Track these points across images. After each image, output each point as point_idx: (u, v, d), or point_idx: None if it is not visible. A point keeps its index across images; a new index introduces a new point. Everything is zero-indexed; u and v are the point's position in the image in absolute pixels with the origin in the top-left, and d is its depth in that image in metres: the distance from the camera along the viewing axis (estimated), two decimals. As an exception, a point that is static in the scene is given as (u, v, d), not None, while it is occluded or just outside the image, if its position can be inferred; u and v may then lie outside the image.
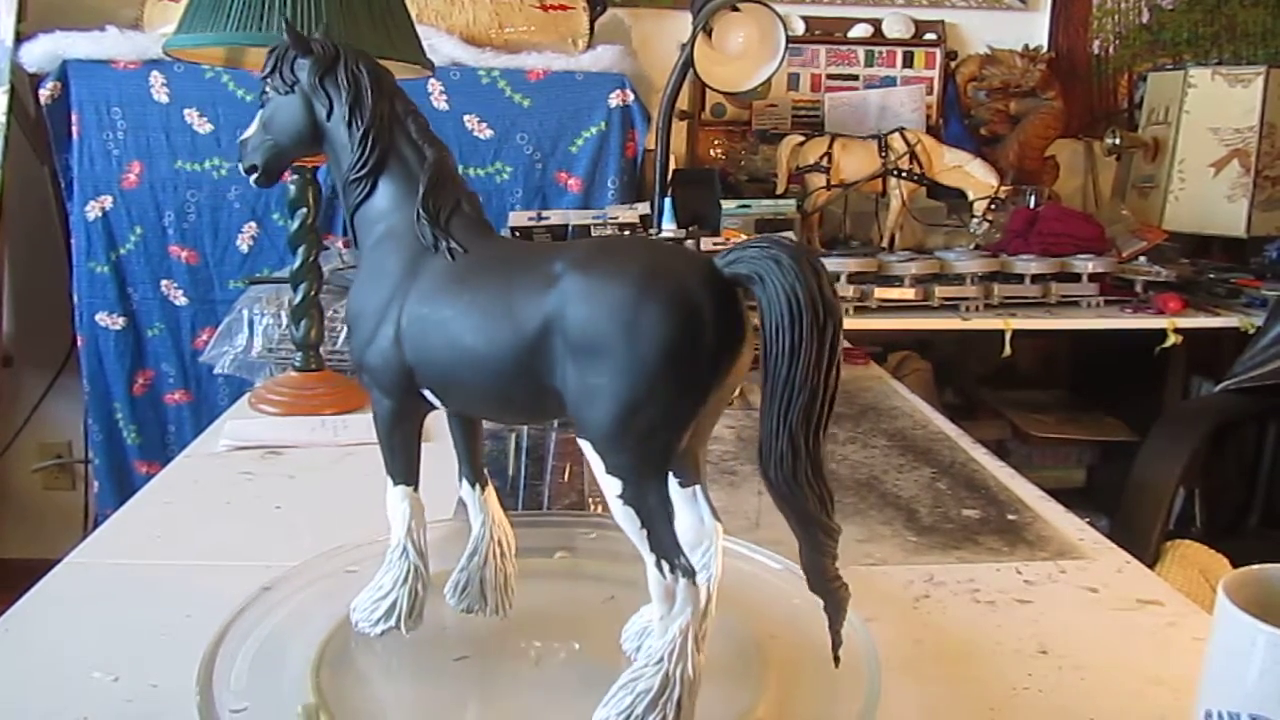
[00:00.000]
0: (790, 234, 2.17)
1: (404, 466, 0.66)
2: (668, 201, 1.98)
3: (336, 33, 1.05)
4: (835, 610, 0.56)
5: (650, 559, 0.54)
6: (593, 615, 0.71)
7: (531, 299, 0.54)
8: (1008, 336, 1.91)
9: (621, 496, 0.53)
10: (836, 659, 0.56)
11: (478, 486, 0.68)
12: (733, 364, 0.53)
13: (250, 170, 0.68)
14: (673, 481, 0.58)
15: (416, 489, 0.67)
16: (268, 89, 0.67)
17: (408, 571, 0.66)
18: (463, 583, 0.68)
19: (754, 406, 1.32)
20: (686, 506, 0.59)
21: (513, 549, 0.69)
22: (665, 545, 0.54)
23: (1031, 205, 2.22)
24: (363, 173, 0.63)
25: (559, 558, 0.80)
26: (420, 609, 0.67)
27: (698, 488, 0.59)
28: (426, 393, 0.62)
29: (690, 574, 0.54)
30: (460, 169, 2.16)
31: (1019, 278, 1.98)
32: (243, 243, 2.07)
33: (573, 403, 0.54)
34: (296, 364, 1.25)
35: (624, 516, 0.53)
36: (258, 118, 0.68)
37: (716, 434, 1.20)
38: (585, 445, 0.54)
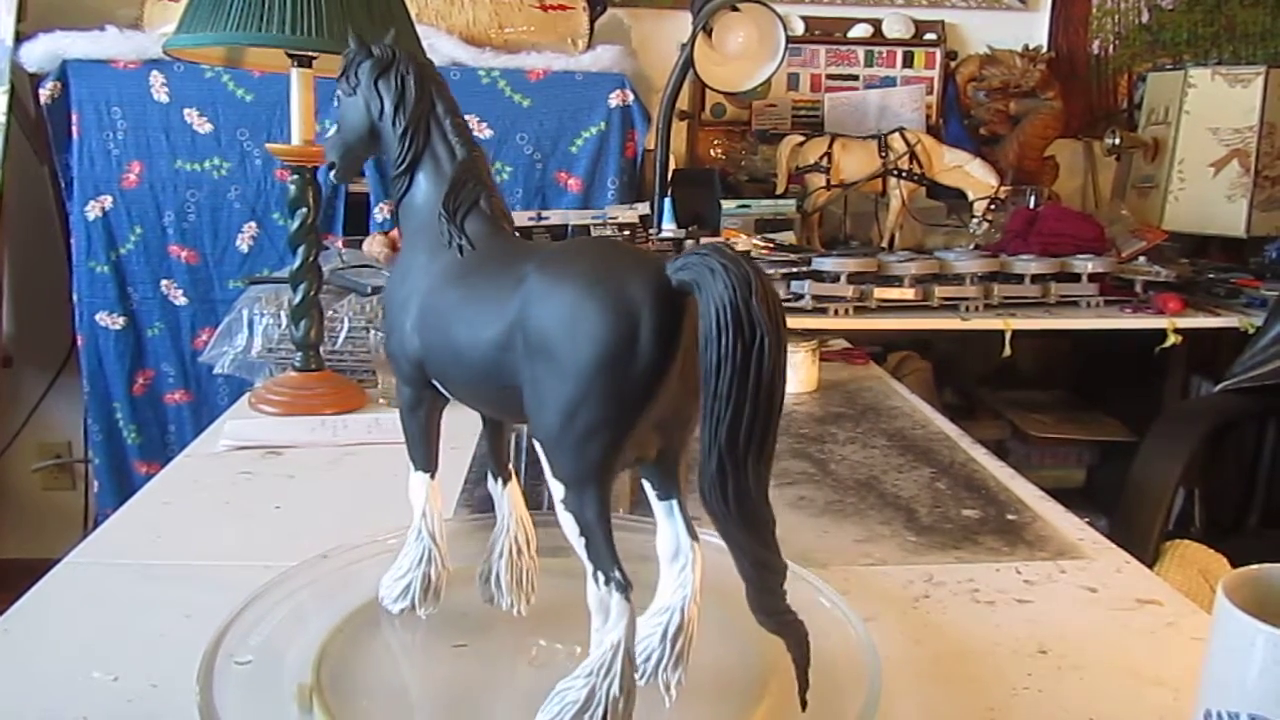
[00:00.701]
0: (790, 234, 2.17)
1: (421, 453, 0.68)
2: (668, 201, 1.98)
3: (336, 33, 1.06)
4: (798, 646, 0.53)
5: (588, 568, 0.54)
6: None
7: (504, 298, 0.56)
8: (1007, 336, 1.91)
9: (564, 501, 0.53)
10: (803, 702, 0.54)
11: (499, 481, 0.69)
12: (671, 373, 0.51)
13: (330, 167, 0.73)
14: (651, 493, 0.58)
15: (434, 476, 0.69)
16: (339, 90, 0.71)
17: (423, 554, 0.68)
18: (485, 573, 0.69)
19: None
20: (665, 519, 0.59)
21: (530, 546, 0.69)
22: (601, 555, 0.53)
23: (1031, 205, 2.22)
24: (400, 169, 0.66)
25: (645, 565, 0.79)
26: (436, 592, 0.68)
27: (674, 502, 0.58)
28: (436, 383, 0.63)
29: (624, 588, 0.53)
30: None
31: (1019, 278, 1.98)
32: (243, 243, 2.07)
33: (526, 404, 0.54)
34: (296, 364, 1.25)
35: (565, 522, 0.54)
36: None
37: (716, 434, 1.20)
38: (537, 447, 0.54)
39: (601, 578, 0.53)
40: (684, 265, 0.50)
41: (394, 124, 0.66)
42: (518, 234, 0.66)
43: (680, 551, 0.58)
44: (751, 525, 0.50)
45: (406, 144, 0.65)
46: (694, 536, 0.58)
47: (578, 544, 0.53)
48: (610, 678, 0.52)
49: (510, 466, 0.70)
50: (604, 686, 0.52)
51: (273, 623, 0.66)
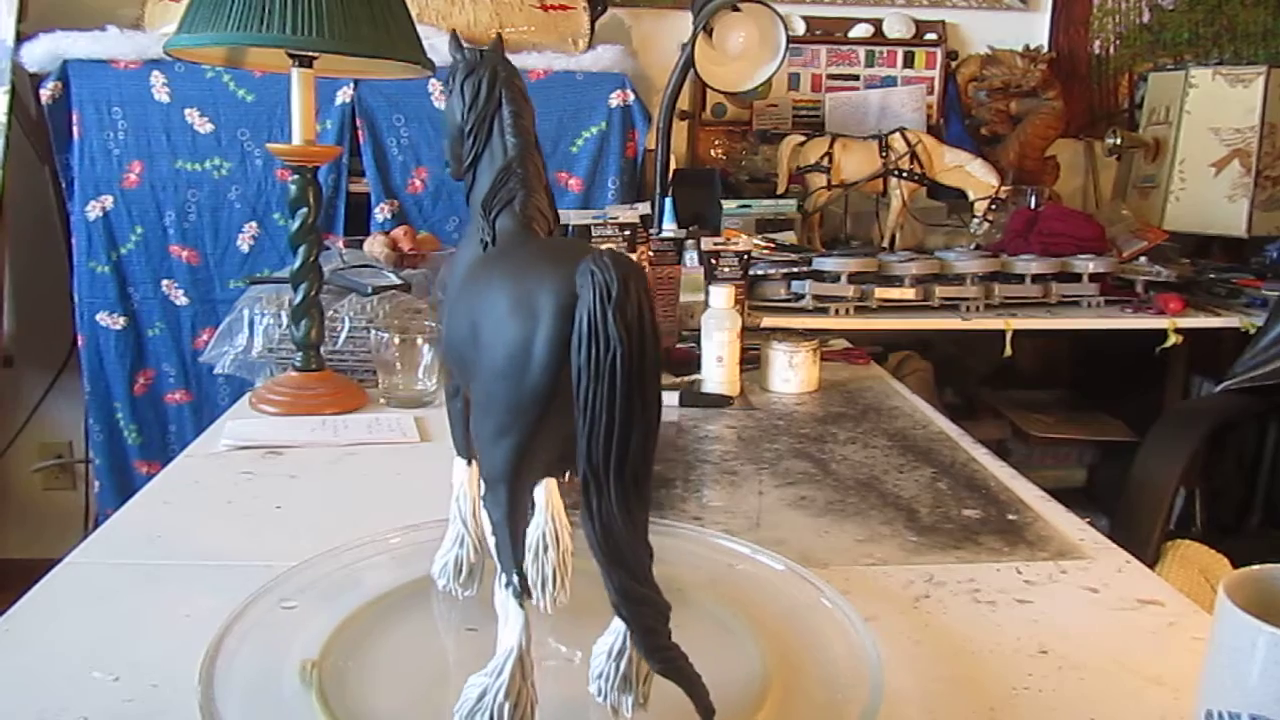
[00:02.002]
0: (791, 234, 2.17)
1: (459, 440, 0.71)
2: (668, 201, 1.98)
3: (336, 32, 1.06)
4: (688, 682, 0.51)
5: (498, 567, 0.54)
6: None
7: (477, 297, 0.57)
8: (1008, 336, 1.91)
9: (483, 499, 0.54)
10: None
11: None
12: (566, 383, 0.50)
13: (447, 164, 0.74)
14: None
15: (470, 462, 0.71)
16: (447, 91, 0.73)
17: (457, 537, 0.71)
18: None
19: (755, 407, 1.32)
20: None
21: (560, 543, 0.69)
22: (504, 556, 0.53)
23: (1032, 205, 2.22)
24: (465, 166, 0.68)
25: (664, 573, 0.79)
26: (470, 574, 0.70)
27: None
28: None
29: (518, 594, 0.52)
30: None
31: (1019, 278, 1.98)
32: (243, 242, 2.07)
33: None
34: (296, 364, 1.25)
35: (483, 519, 0.54)
36: None
37: (717, 434, 1.20)
38: None
39: (503, 579, 0.53)
40: (583, 269, 0.48)
41: (464, 122, 0.68)
42: (549, 233, 0.66)
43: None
44: (614, 553, 0.47)
45: (470, 142, 0.68)
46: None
47: (489, 541, 0.54)
48: (500, 681, 0.52)
49: None
50: (494, 689, 0.52)
51: (273, 622, 0.66)
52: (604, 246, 1.34)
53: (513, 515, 0.53)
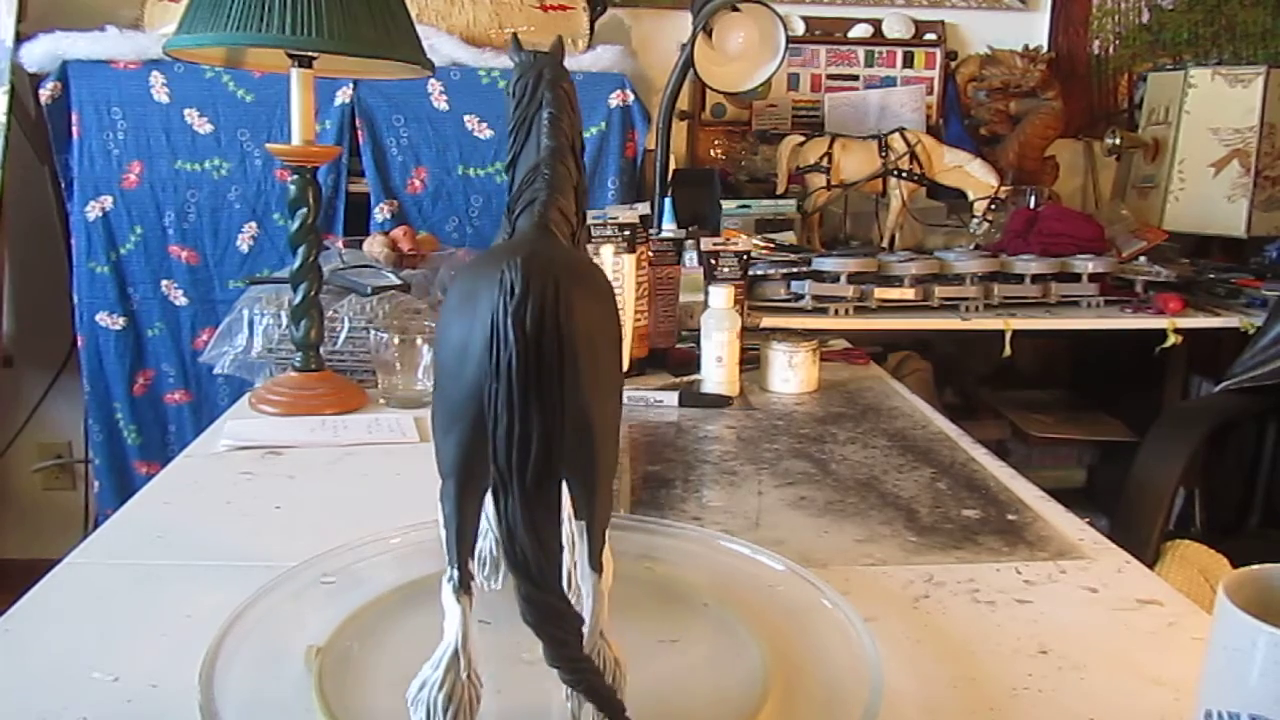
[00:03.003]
0: (791, 234, 2.17)
1: None
2: (668, 201, 1.98)
3: (336, 33, 1.06)
4: (600, 699, 0.50)
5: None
6: (644, 628, 0.71)
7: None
8: (1008, 336, 1.91)
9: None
10: None
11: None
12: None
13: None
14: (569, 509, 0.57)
15: None
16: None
17: (485, 528, 0.70)
18: None
19: (754, 408, 1.32)
20: (579, 540, 0.56)
21: (577, 549, 0.69)
22: (448, 550, 0.52)
23: (1031, 205, 2.22)
24: (506, 165, 0.69)
25: (645, 565, 0.78)
26: (496, 565, 0.71)
27: (584, 524, 0.55)
28: None
29: (455, 590, 0.52)
30: (461, 169, 2.15)
31: (1019, 278, 1.99)
32: (243, 243, 2.07)
33: None
34: (296, 364, 1.25)
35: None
36: None
37: (716, 434, 1.20)
38: None
39: (445, 573, 0.53)
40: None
41: (509, 122, 0.69)
42: (571, 235, 0.65)
43: (585, 577, 0.55)
44: (517, 559, 0.46)
45: (510, 142, 0.68)
46: (594, 567, 0.55)
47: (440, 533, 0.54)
48: (435, 675, 0.52)
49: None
50: (431, 682, 0.52)
51: (274, 623, 0.66)
52: (604, 246, 1.34)
53: (460, 510, 0.52)
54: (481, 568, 0.71)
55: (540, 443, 0.46)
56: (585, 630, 0.54)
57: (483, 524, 0.71)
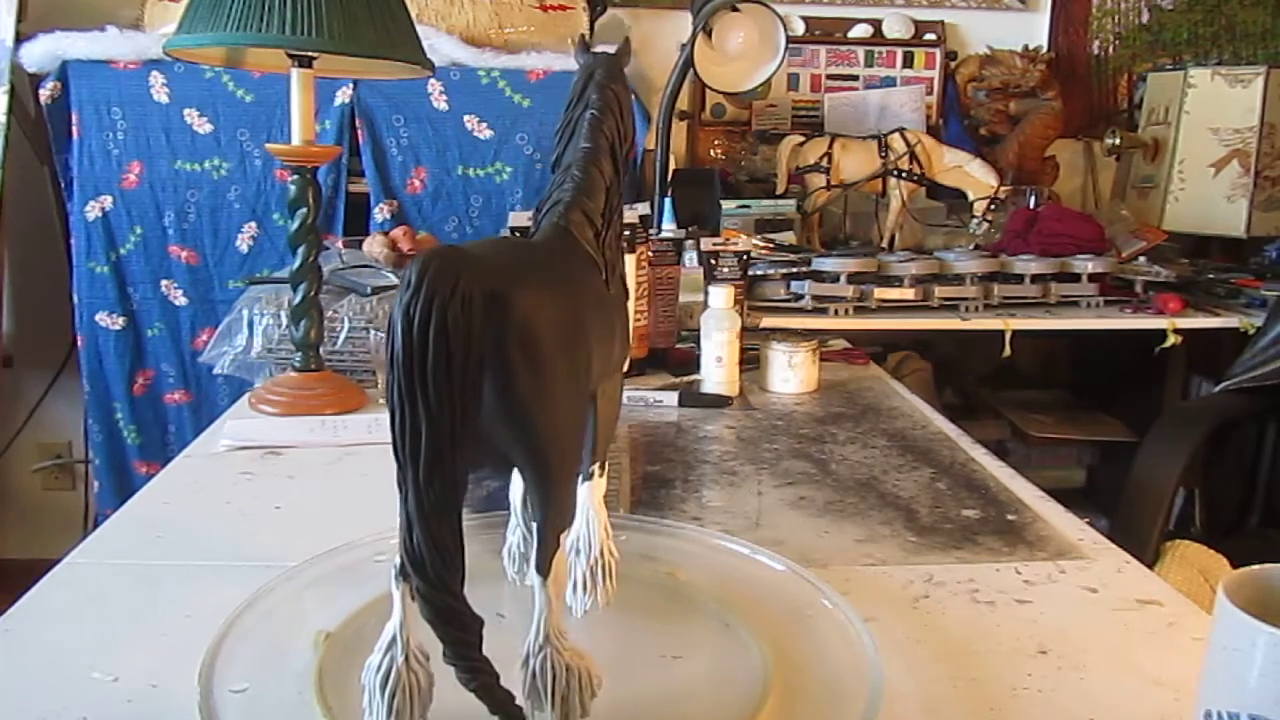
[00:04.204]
0: (790, 234, 2.17)
1: None
2: (668, 201, 1.98)
3: (336, 33, 1.06)
4: (496, 704, 0.50)
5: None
6: (644, 628, 0.71)
7: None
8: (1007, 337, 1.91)
9: None
10: None
11: (579, 477, 0.67)
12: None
13: None
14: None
15: None
16: None
17: (514, 523, 0.71)
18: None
19: (754, 408, 1.32)
20: (534, 540, 0.56)
21: (592, 547, 0.69)
22: (400, 536, 0.52)
23: (1031, 205, 2.22)
24: (551, 164, 0.69)
25: (665, 573, 0.78)
26: (525, 558, 0.70)
27: (535, 524, 0.54)
28: None
29: (397, 577, 0.51)
30: (461, 170, 2.15)
31: (1019, 278, 1.98)
32: (242, 243, 2.07)
33: None
34: (296, 364, 1.25)
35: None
36: None
37: (716, 434, 1.20)
38: None
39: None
40: None
41: (559, 122, 0.70)
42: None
43: (533, 579, 0.55)
44: (411, 555, 0.46)
45: (556, 140, 0.69)
46: (540, 570, 0.54)
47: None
48: (375, 657, 0.52)
49: (593, 460, 0.70)
50: (370, 665, 0.52)
51: (274, 623, 0.66)
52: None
53: (418, 506, 0.51)
54: (511, 563, 0.72)
55: (429, 436, 0.46)
56: (531, 636, 0.53)
57: (513, 521, 0.71)
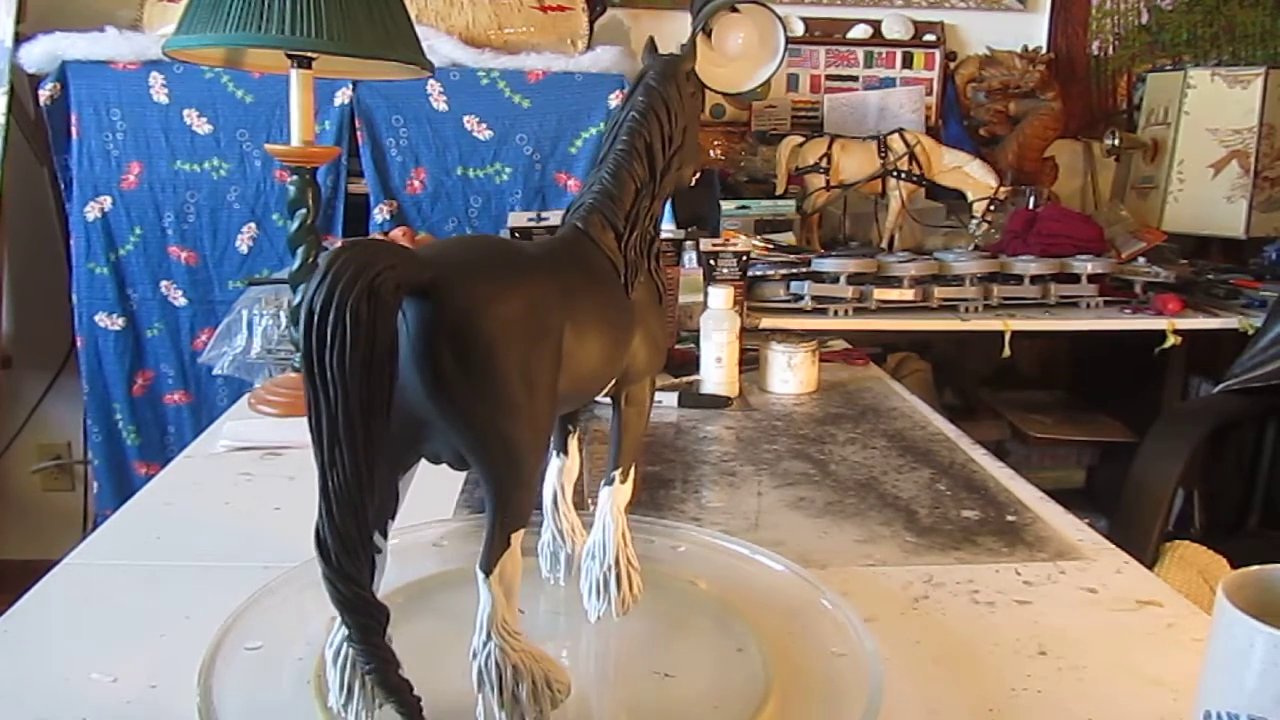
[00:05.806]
0: (790, 235, 2.17)
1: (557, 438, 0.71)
2: (667, 202, 1.98)
3: (336, 33, 1.06)
4: (398, 698, 0.50)
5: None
6: (644, 628, 0.71)
7: None
8: (1007, 337, 1.91)
9: None
10: None
11: (539, 478, 0.66)
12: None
13: None
14: None
15: (558, 454, 0.71)
16: None
17: (546, 525, 0.72)
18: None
19: (753, 408, 1.32)
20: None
21: (607, 553, 0.69)
22: None
23: (1031, 206, 2.22)
24: (595, 163, 0.69)
25: (665, 574, 0.77)
26: (556, 558, 0.72)
27: (486, 515, 0.54)
28: None
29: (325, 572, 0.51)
30: (460, 170, 2.15)
31: (1018, 278, 1.99)
32: (242, 243, 2.07)
33: None
34: (296, 364, 1.25)
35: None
36: None
37: (715, 435, 1.20)
38: None
39: None
40: None
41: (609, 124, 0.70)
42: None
43: (477, 575, 0.54)
44: (318, 538, 0.46)
45: (603, 140, 0.69)
46: (482, 567, 0.53)
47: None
48: (333, 635, 0.54)
49: (619, 470, 0.70)
50: (331, 641, 0.54)
51: (273, 623, 0.66)
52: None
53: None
54: (545, 561, 0.72)
55: (329, 427, 0.45)
56: (476, 631, 0.53)
57: (545, 523, 0.72)
